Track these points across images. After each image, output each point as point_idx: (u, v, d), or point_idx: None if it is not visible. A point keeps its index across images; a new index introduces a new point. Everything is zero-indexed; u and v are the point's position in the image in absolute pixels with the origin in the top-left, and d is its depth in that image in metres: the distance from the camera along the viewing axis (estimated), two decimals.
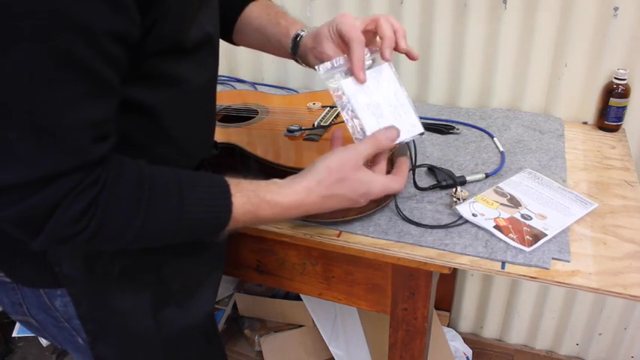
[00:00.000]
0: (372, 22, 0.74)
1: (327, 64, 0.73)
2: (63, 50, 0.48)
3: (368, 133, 0.72)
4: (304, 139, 0.95)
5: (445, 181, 0.94)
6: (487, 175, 0.97)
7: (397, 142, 0.72)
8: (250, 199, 0.63)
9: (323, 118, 1.02)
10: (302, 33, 0.81)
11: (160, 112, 0.62)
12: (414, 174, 0.94)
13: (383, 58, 0.73)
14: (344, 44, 0.74)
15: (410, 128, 0.73)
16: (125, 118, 0.58)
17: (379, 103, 0.73)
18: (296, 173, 0.68)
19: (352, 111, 0.72)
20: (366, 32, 0.74)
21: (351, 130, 0.73)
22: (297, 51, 0.82)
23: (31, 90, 0.48)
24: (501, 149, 1.06)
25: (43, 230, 0.53)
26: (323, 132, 0.97)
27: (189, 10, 0.60)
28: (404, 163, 0.74)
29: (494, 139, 1.10)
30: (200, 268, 0.78)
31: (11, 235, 0.64)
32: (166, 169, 0.60)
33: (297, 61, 0.84)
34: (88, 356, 0.74)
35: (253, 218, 0.64)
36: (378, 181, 0.69)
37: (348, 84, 0.73)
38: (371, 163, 0.71)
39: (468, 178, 0.95)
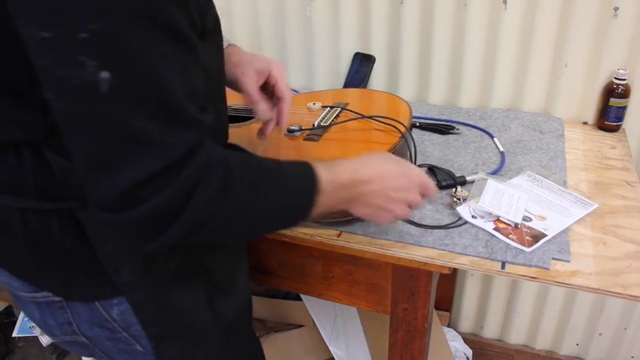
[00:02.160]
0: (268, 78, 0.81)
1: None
2: (169, 23, 0.47)
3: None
4: (304, 139, 0.95)
5: (445, 181, 0.94)
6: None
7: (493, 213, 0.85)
8: (328, 167, 0.65)
9: (323, 118, 1.01)
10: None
11: None
12: None
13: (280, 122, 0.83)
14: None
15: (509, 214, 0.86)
16: None
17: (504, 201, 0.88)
18: None
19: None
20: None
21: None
22: None
23: (151, 69, 0.47)
24: (501, 149, 1.06)
25: (179, 217, 0.51)
26: (323, 132, 0.97)
27: None
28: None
29: (495, 139, 1.10)
30: (233, 256, 0.78)
31: (64, 252, 0.62)
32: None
33: None
34: None
35: (336, 187, 0.65)
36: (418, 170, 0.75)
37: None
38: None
39: (468, 178, 0.95)
